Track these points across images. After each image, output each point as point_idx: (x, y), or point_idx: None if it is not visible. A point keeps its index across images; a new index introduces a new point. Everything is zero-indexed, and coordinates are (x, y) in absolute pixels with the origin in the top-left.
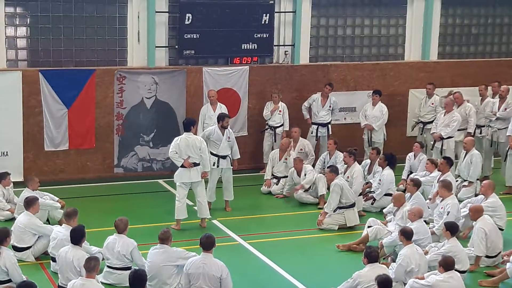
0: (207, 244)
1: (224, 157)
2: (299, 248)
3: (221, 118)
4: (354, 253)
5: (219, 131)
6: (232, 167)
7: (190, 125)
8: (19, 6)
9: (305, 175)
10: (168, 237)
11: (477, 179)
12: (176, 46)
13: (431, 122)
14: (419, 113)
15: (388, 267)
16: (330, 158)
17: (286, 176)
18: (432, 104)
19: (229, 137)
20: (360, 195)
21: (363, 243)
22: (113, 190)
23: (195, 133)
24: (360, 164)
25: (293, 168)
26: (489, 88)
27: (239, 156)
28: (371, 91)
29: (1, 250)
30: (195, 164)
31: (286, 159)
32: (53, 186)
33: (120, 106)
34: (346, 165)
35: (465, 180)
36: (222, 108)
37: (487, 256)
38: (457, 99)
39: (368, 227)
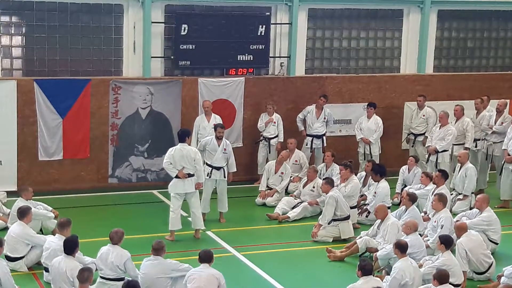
0: (205, 257)
1: (218, 168)
2: (293, 260)
3: (214, 128)
4: (348, 265)
5: (215, 142)
6: (226, 179)
7: (185, 136)
8: (15, 15)
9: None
10: (161, 247)
11: (472, 193)
12: (172, 57)
13: (423, 134)
14: (410, 125)
15: (382, 280)
16: (326, 170)
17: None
18: (423, 116)
19: (225, 149)
20: (354, 207)
21: (353, 254)
22: (107, 201)
23: (190, 144)
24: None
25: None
26: (491, 101)
27: (235, 169)
28: (367, 104)
29: None
30: (189, 175)
31: (282, 173)
32: (47, 196)
33: (115, 116)
34: (341, 178)
35: (459, 194)
36: (216, 119)
37: (476, 273)
38: (456, 112)
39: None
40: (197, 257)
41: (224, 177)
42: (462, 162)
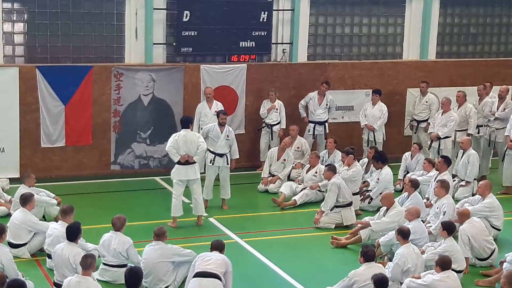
0: (219, 246)
1: (221, 155)
2: (295, 246)
3: (217, 114)
4: (350, 252)
5: (218, 129)
6: (229, 166)
7: (188, 122)
8: (17, 2)
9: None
10: (163, 233)
11: (474, 179)
12: (174, 43)
13: (425, 120)
14: (413, 111)
15: (384, 266)
16: (328, 157)
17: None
18: (426, 102)
19: (228, 135)
20: (357, 194)
21: (356, 243)
22: (109, 187)
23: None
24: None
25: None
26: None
27: (237, 156)
28: (369, 90)
29: None
30: (192, 162)
31: (284, 160)
32: (49, 182)
33: (117, 103)
34: (345, 164)
35: (462, 180)
36: (218, 106)
37: (478, 259)
38: (458, 98)
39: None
40: (200, 243)
41: (227, 164)
42: (465, 148)
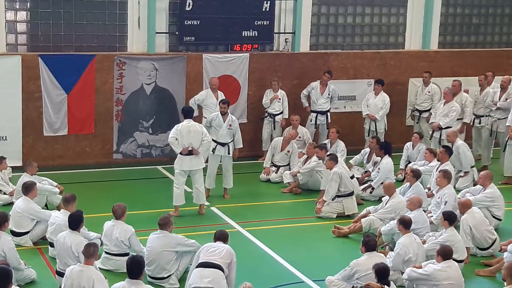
0: (223, 236)
1: (223, 144)
2: (297, 236)
3: (218, 103)
4: (352, 241)
5: (220, 117)
6: (230, 155)
7: (191, 112)
8: None
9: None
10: (167, 222)
11: (472, 167)
12: (177, 32)
13: (427, 110)
14: (415, 101)
15: (385, 256)
16: (331, 147)
17: (287, 165)
18: (429, 92)
19: (230, 125)
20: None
21: (357, 232)
22: (112, 176)
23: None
24: (359, 153)
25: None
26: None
27: (241, 146)
28: (372, 80)
29: None
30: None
31: (288, 151)
32: (51, 171)
33: (119, 92)
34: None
35: (459, 171)
36: (221, 96)
37: (479, 249)
38: (454, 87)
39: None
40: (202, 232)
41: (229, 153)
42: (451, 141)
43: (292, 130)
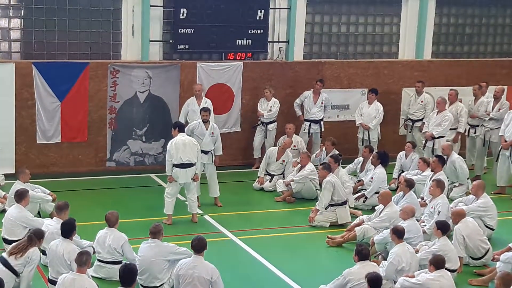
0: (198, 247)
1: (206, 152)
2: (290, 244)
3: (200, 111)
4: (344, 250)
5: (203, 126)
6: (213, 163)
7: (183, 126)
8: None
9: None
10: (159, 231)
11: (468, 179)
12: (170, 41)
13: (420, 120)
14: (408, 111)
15: (378, 265)
16: (326, 156)
17: (281, 174)
18: (422, 102)
19: (212, 132)
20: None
21: (350, 241)
22: (105, 184)
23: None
24: (352, 162)
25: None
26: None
27: (221, 153)
28: (365, 89)
29: None
30: (191, 165)
31: (283, 160)
32: (44, 179)
33: (113, 99)
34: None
35: (454, 182)
36: (207, 103)
37: (473, 258)
38: (450, 96)
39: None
40: None
41: (211, 161)
42: (447, 154)
43: (287, 139)
